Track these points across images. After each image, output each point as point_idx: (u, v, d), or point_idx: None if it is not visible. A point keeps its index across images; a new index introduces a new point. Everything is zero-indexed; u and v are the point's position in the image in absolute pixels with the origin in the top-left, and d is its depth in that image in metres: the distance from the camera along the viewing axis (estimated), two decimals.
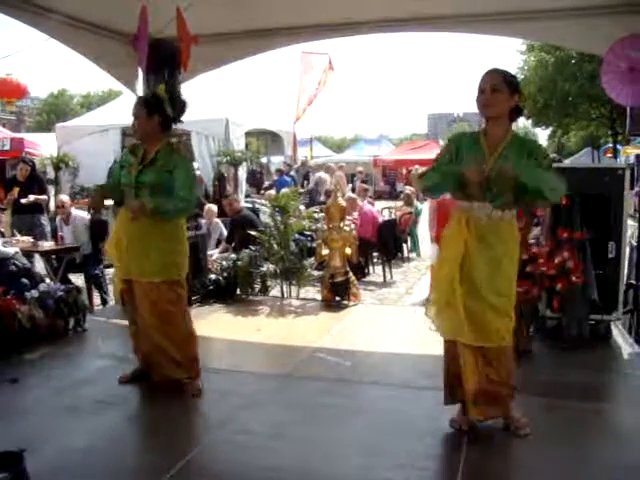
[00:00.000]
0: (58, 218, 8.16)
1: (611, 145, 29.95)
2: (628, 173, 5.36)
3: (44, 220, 8.89)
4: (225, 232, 9.22)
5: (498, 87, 3.33)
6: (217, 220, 9.32)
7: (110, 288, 7.72)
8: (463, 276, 3.39)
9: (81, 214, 8.01)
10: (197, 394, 4.21)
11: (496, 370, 3.46)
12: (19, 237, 7.89)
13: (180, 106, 4.22)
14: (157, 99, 4.13)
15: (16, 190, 8.42)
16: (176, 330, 4.23)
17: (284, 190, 7.51)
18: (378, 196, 23.14)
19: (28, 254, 7.42)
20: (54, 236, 8.34)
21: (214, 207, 9.52)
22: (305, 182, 16.43)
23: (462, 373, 3.51)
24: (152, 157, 4.11)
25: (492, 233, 3.37)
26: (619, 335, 5.50)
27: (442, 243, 3.68)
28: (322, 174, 13.53)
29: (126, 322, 4.85)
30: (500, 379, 3.47)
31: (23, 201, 8.44)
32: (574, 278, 5.09)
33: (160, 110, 4.10)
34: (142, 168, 4.11)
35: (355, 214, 9.96)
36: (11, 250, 6.72)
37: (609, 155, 28.85)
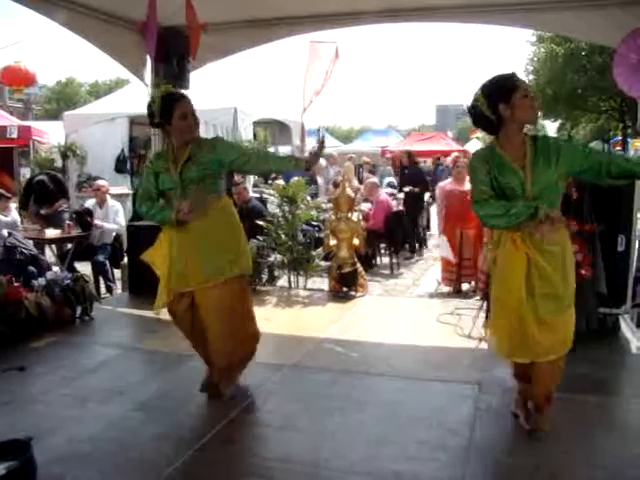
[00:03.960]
0: (94, 201, 8.20)
1: (620, 138, 29.77)
2: None
3: (65, 210, 8.92)
4: None
5: (533, 94, 3.27)
6: None
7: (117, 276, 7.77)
8: (535, 293, 3.26)
9: (116, 203, 8.16)
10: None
11: (557, 375, 3.46)
12: (26, 225, 7.91)
13: None
14: None
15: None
16: (245, 330, 4.02)
17: (293, 179, 7.49)
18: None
19: (39, 242, 7.46)
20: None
21: None
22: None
23: (534, 386, 3.49)
24: (188, 154, 3.86)
25: (554, 242, 3.24)
26: (627, 329, 5.47)
27: (499, 263, 3.43)
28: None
29: (132, 311, 4.84)
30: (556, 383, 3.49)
31: (42, 212, 8.43)
32: (583, 271, 5.06)
33: None
34: (182, 167, 3.85)
35: (365, 205, 9.97)
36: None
37: (618, 148, 28.69)
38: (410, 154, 12.93)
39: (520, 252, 3.24)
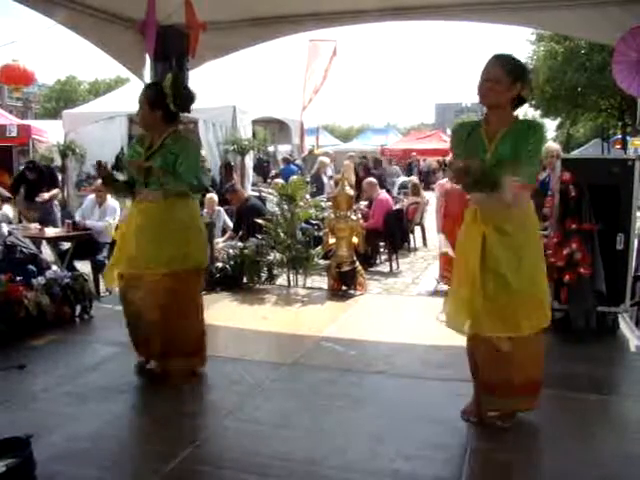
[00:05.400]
0: (92, 199, 8.16)
1: (620, 136, 29.78)
2: (638, 164, 5.31)
3: (55, 206, 8.91)
4: (228, 220, 9.22)
5: (496, 77, 3.25)
6: (219, 208, 9.31)
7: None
8: (486, 269, 3.33)
9: (115, 202, 8.11)
10: (195, 382, 4.25)
11: (519, 361, 3.44)
12: (26, 224, 7.91)
13: (186, 99, 4.14)
14: (161, 94, 4.03)
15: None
16: (187, 322, 4.19)
17: (292, 178, 7.49)
18: None
19: (36, 240, 7.46)
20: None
21: (215, 196, 9.51)
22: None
23: (477, 365, 3.53)
24: (159, 144, 4.08)
25: (508, 221, 3.32)
26: (626, 327, 5.48)
27: (460, 235, 3.59)
28: (323, 157, 13.50)
29: None
30: (522, 371, 3.46)
31: (38, 199, 8.43)
32: (582, 270, 5.07)
33: (163, 105, 4.03)
34: (150, 155, 4.08)
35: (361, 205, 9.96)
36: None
37: (618, 147, 28.69)
38: (365, 167, 12.88)
39: (477, 225, 3.35)
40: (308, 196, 7.55)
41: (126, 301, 4.23)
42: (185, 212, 4.16)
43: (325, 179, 12.84)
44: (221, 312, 6.12)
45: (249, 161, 14.00)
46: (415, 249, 11.36)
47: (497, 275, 3.32)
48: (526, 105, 3.48)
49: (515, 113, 3.42)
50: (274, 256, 7.29)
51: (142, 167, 4.05)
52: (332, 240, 7.09)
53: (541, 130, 3.36)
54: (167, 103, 4.02)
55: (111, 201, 8.07)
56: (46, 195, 8.60)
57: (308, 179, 11.36)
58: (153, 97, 4.06)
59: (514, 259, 3.31)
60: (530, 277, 3.35)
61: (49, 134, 14.29)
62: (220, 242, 8.45)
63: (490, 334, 3.38)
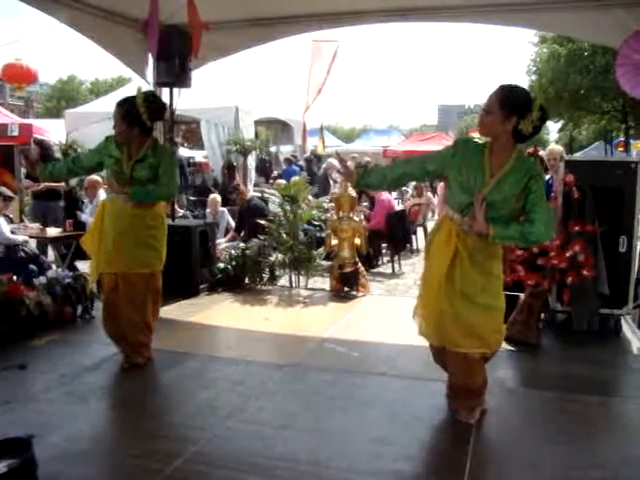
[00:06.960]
0: (86, 200, 8.16)
1: (623, 139, 29.75)
2: None
3: (60, 206, 8.89)
4: (231, 221, 9.21)
5: (489, 107, 3.27)
6: (222, 209, 9.31)
7: None
8: (455, 285, 3.41)
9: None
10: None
11: (480, 371, 3.59)
12: (27, 224, 7.90)
13: (158, 111, 4.45)
14: (136, 111, 4.25)
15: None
16: (146, 316, 4.55)
17: (294, 179, 7.48)
18: None
19: (42, 241, 7.46)
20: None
21: (218, 197, 9.49)
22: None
23: (450, 374, 3.70)
24: (142, 155, 4.35)
25: (480, 251, 3.40)
26: (629, 330, 5.48)
27: (433, 245, 3.64)
28: (332, 160, 13.51)
29: None
30: (482, 378, 3.61)
31: (34, 189, 8.42)
32: (585, 272, 5.06)
33: (139, 122, 4.27)
34: (134, 164, 4.34)
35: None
36: (20, 238, 6.74)
37: (621, 149, 28.65)
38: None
39: (451, 244, 3.41)
40: (310, 197, 7.54)
41: (105, 296, 4.56)
42: (160, 217, 4.58)
43: (331, 181, 12.88)
44: (223, 313, 6.12)
45: (252, 161, 14.00)
46: (417, 250, 11.34)
47: (463, 294, 3.40)
48: None
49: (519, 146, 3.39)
50: (276, 257, 7.29)
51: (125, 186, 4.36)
52: (334, 241, 7.09)
53: (542, 181, 3.37)
54: (143, 120, 4.27)
55: (102, 196, 7.98)
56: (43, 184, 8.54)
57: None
58: (129, 115, 4.30)
59: (481, 278, 3.40)
60: (494, 293, 3.46)
61: (51, 133, 14.26)
62: (222, 242, 8.44)
63: (460, 350, 3.47)
